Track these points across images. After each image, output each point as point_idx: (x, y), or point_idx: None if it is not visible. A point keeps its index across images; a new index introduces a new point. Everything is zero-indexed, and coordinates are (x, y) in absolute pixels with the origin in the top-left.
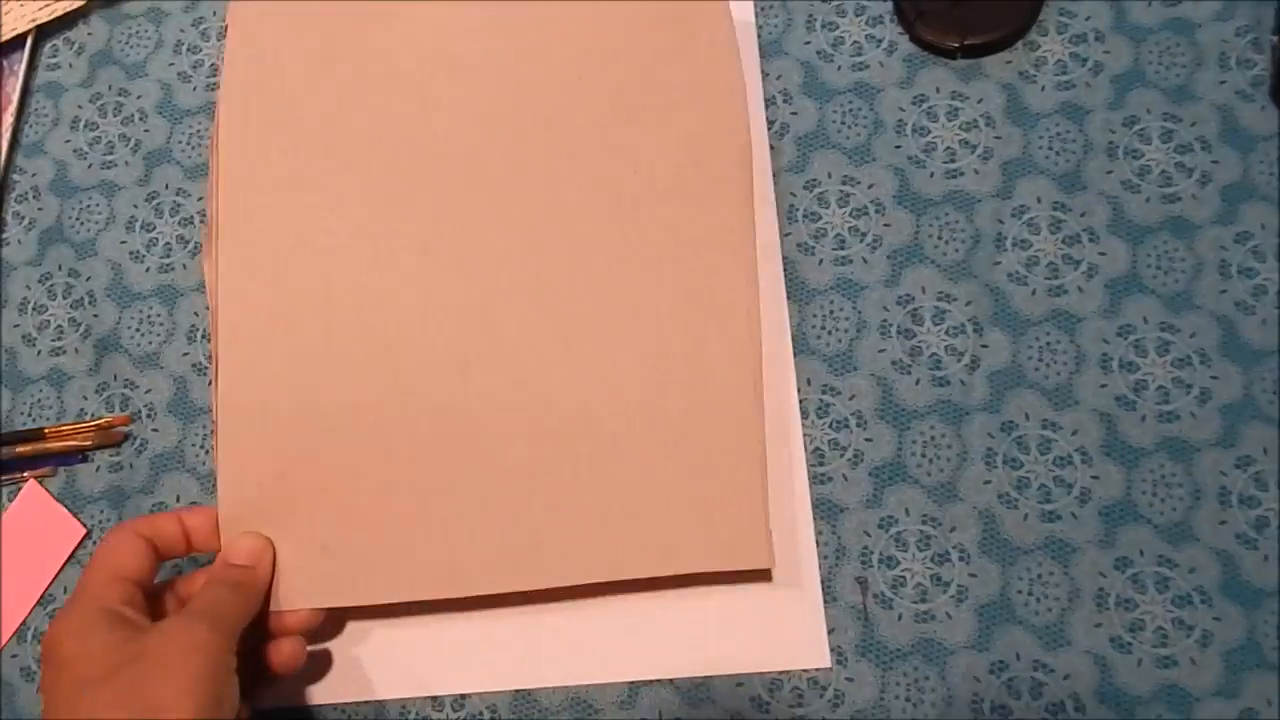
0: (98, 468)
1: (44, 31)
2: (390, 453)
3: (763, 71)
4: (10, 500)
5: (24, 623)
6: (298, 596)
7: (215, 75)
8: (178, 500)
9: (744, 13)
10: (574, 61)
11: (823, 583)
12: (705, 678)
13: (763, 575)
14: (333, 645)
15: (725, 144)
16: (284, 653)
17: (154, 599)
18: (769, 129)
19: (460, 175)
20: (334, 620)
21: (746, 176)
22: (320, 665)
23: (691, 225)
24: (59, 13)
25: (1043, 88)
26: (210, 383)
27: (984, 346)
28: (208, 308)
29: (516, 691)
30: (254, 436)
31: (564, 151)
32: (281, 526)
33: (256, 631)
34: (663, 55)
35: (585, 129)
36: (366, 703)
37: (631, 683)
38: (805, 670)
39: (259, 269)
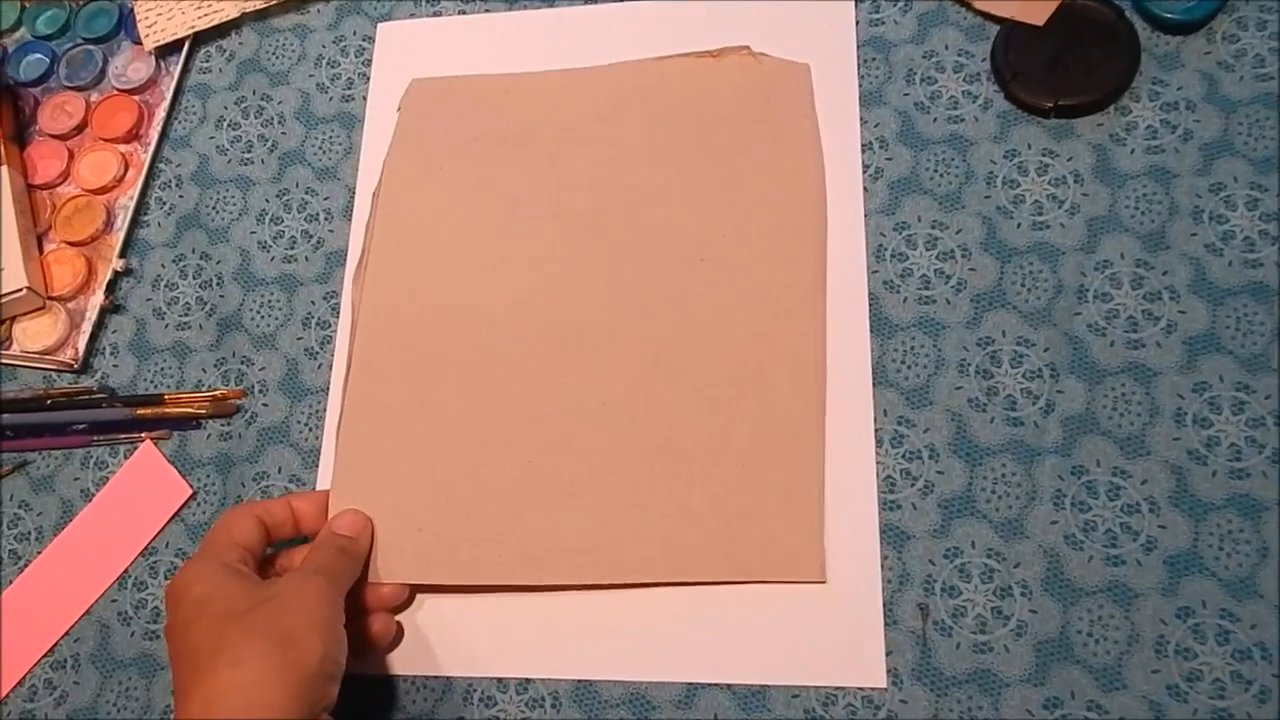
0: (209, 435)
1: (200, 38)
2: (487, 452)
3: (861, 119)
4: (127, 457)
5: (125, 571)
6: (391, 572)
7: (350, 88)
8: (279, 471)
9: (846, 63)
10: (672, 124)
11: (884, 605)
12: (762, 686)
13: (824, 590)
14: (405, 620)
15: (804, 202)
16: (377, 626)
17: (261, 569)
18: (864, 172)
19: (570, 227)
20: (409, 596)
21: (821, 236)
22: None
23: (770, 275)
24: (215, 21)
25: (1132, 150)
26: (344, 383)
27: (1059, 392)
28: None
29: (578, 681)
30: (371, 431)
31: (661, 210)
32: (384, 508)
33: (350, 607)
34: (750, 115)
35: (681, 192)
36: (435, 677)
37: (690, 684)
38: (861, 688)
39: (396, 295)
